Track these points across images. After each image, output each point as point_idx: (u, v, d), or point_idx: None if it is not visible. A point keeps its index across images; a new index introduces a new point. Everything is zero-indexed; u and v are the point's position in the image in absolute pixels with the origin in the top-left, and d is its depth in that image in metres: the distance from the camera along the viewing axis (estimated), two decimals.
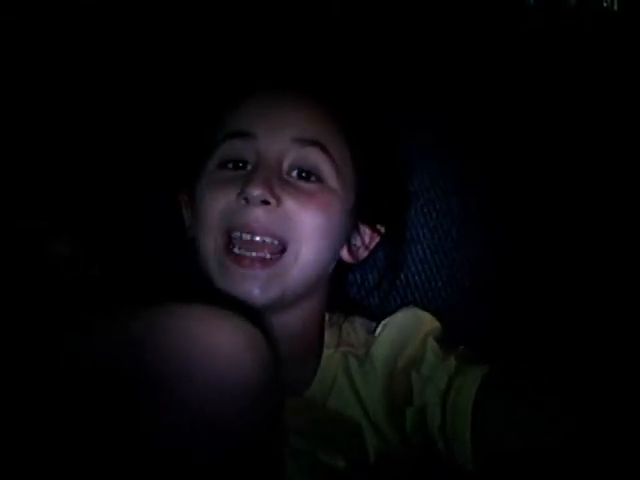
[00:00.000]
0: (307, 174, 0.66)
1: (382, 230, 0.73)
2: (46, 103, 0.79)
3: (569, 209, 0.81)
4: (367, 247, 0.72)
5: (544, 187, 0.81)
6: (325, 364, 0.70)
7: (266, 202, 0.63)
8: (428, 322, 0.71)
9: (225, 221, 0.64)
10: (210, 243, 0.65)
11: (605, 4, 0.89)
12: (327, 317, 0.73)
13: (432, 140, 0.81)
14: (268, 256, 0.63)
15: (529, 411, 0.61)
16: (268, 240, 0.63)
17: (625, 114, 0.81)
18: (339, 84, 0.72)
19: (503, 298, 0.80)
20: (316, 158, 0.66)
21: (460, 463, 0.62)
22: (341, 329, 0.72)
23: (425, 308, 0.74)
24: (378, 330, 0.71)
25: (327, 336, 0.71)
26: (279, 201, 0.63)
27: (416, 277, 0.80)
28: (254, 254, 0.63)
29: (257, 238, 0.63)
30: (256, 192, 0.62)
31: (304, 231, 0.64)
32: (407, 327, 0.71)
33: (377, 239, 0.73)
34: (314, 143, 0.66)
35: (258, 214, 0.63)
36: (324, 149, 0.66)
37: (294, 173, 0.66)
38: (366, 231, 0.72)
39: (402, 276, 0.80)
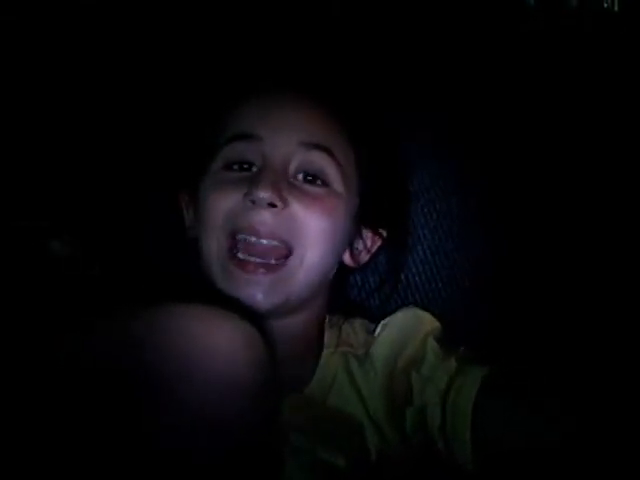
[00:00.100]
0: (313, 177, 0.66)
1: (384, 233, 0.73)
2: (46, 103, 0.79)
3: (569, 209, 0.81)
4: (369, 251, 0.73)
5: (544, 187, 0.81)
6: (325, 363, 0.70)
7: (273, 205, 0.62)
8: (428, 322, 0.71)
9: (230, 222, 0.64)
10: (213, 245, 0.64)
11: (606, 4, 0.89)
12: (327, 319, 0.73)
13: (432, 140, 0.81)
14: (273, 261, 0.63)
15: (529, 411, 0.61)
16: (274, 243, 0.63)
17: (625, 114, 0.81)
18: (343, 86, 0.73)
19: (503, 298, 0.80)
20: (322, 162, 0.66)
21: (460, 463, 0.62)
22: (341, 330, 0.72)
23: (425, 308, 0.74)
24: (378, 330, 0.71)
25: (327, 337, 0.71)
26: (286, 204, 0.63)
27: (416, 278, 0.80)
28: (258, 260, 0.63)
29: (263, 241, 0.63)
30: (263, 194, 0.62)
31: (310, 235, 0.64)
32: (407, 327, 0.71)
33: (379, 242, 0.73)
34: (321, 147, 0.66)
35: (264, 216, 0.63)
36: (330, 153, 0.66)
37: (300, 176, 0.66)
38: (368, 235, 0.72)
39: (402, 277, 0.80)
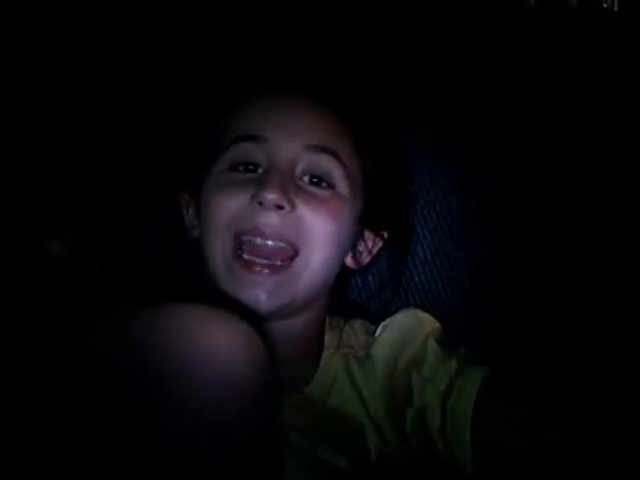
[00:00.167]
0: (318, 180, 0.66)
1: (385, 235, 0.73)
2: (46, 103, 0.79)
3: (569, 209, 0.81)
4: (370, 252, 0.73)
5: (544, 187, 0.81)
6: (325, 364, 0.69)
7: (280, 207, 0.62)
8: (429, 323, 0.71)
9: (235, 224, 0.64)
10: (218, 245, 0.64)
11: (605, 5, 0.89)
12: (327, 320, 0.73)
13: (432, 140, 0.81)
14: (278, 262, 0.63)
15: (529, 411, 0.61)
16: (280, 245, 0.63)
17: (625, 114, 0.81)
18: (348, 88, 0.73)
19: (503, 298, 0.80)
20: (329, 165, 0.66)
21: (460, 464, 0.62)
22: (341, 332, 0.72)
23: (425, 309, 0.74)
24: (378, 331, 0.71)
25: (327, 338, 0.71)
26: (293, 206, 0.63)
27: (416, 278, 0.80)
28: (264, 261, 0.63)
29: (269, 242, 0.63)
30: (271, 196, 0.62)
31: (316, 237, 0.64)
32: (407, 328, 0.70)
33: (380, 244, 0.73)
34: (327, 150, 0.66)
35: (271, 218, 0.63)
36: (336, 156, 0.66)
37: (306, 178, 0.66)
38: (369, 236, 0.72)
39: (402, 278, 0.80)
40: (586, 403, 0.60)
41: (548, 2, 0.87)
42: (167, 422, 0.47)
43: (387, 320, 0.72)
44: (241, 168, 0.66)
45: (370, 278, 0.79)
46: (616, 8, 0.89)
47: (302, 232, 0.64)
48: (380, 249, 0.74)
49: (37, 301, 0.60)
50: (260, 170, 0.65)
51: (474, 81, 0.82)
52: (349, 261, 0.72)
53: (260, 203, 0.62)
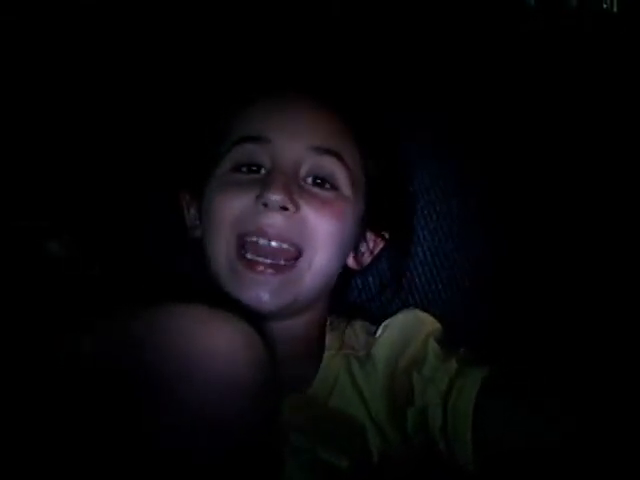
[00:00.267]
0: (322, 181, 0.66)
1: (386, 235, 0.73)
2: (47, 103, 0.79)
3: (569, 209, 0.81)
4: (372, 252, 0.73)
5: (544, 187, 0.81)
6: (326, 364, 0.69)
7: (285, 208, 0.63)
8: (429, 323, 0.71)
9: (239, 225, 0.64)
10: (221, 245, 0.64)
11: (605, 5, 0.89)
12: (329, 321, 0.73)
13: (432, 140, 0.81)
14: (282, 262, 0.63)
15: (529, 411, 0.61)
16: (283, 246, 0.63)
17: (625, 114, 0.81)
18: (350, 89, 0.73)
19: (503, 298, 0.80)
20: (332, 167, 0.66)
21: (461, 464, 0.62)
22: (342, 333, 0.72)
23: (426, 310, 0.74)
24: (379, 331, 0.71)
25: (329, 339, 0.71)
26: (297, 207, 0.63)
27: (416, 279, 0.80)
28: (268, 260, 0.63)
29: (272, 243, 0.63)
30: (276, 197, 0.62)
31: (319, 239, 0.64)
32: (408, 328, 0.71)
33: (381, 244, 0.73)
34: (331, 152, 0.66)
35: (275, 219, 0.63)
36: (340, 158, 0.66)
37: (309, 180, 0.66)
38: (371, 237, 0.73)
39: (403, 279, 0.80)
40: (586, 403, 0.60)
41: (548, 2, 0.87)
42: (167, 422, 0.47)
43: (388, 320, 0.72)
44: (244, 169, 0.66)
45: (370, 279, 0.79)
46: (616, 9, 0.89)
47: (306, 233, 0.64)
48: (381, 249, 0.74)
49: (37, 301, 0.60)
50: (263, 171, 0.65)
51: (474, 81, 0.82)
52: (351, 262, 0.72)
53: (264, 204, 0.62)
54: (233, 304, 0.62)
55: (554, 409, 0.60)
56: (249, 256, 0.63)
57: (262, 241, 0.63)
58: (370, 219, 0.71)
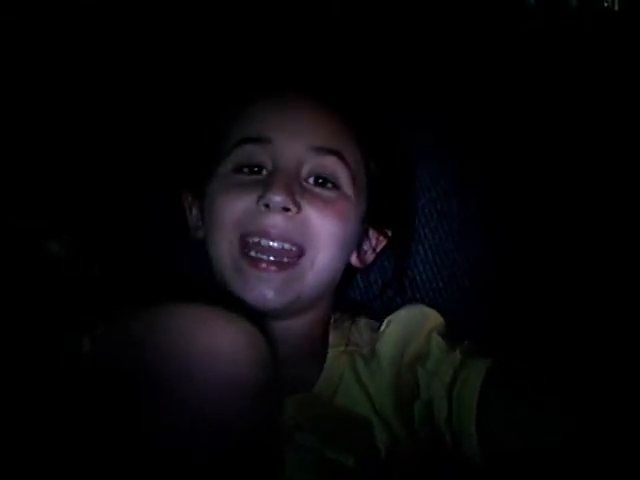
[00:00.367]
0: (324, 180, 0.66)
1: (389, 233, 0.73)
2: (47, 103, 0.79)
3: (569, 209, 0.80)
4: (374, 250, 0.73)
5: (544, 187, 0.81)
6: (331, 363, 0.69)
7: (286, 209, 0.63)
8: (433, 318, 0.71)
9: (241, 226, 0.64)
10: (225, 245, 0.65)
11: (606, 4, 0.89)
12: (332, 319, 0.73)
13: (432, 140, 0.81)
14: (285, 260, 0.64)
15: (529, 411, 0.61)
16: (286, 246, 0.64)
17: (625, 114, 0.81)
18: (351, 89, 0.73)
19: (503, 298, 0.80)
20: (334, 167, 0.66)
21: (468, 456, 0.62)
22: (346, 331, 0.72)
23: None
24: (383, 327, 0.71)
25: (333, 337, 0.71)
26: (299, 208, 0.63)
27: (417, 277, 0.80)
28: (271, 258, 0.63)
29: (275, 244, 0.63)
30: (278, 198, 0.62)
31: (321, 238, 0.65)
32: (412, 323, 0.71)
33: (384, 242, 0.74)
34: (332, 152, 0.66)
35: (277, 220, 0.63)
36: (342, 157, 0.66)
37: (311, 180, 0.66)
38: (373, 234, 0.73)
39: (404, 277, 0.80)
40: (586, 403, 0.60)
41: (548, 2, 0.87)
42: (167, 422, 0.47)
43: (391, 315, 0.72)
44: (245, 170, 0.66)
45: (372, 278, 0.80)
46: (617, 8, 0.88)
47: (308, 233, 0.64)
48: (384, 247, 0.74)
49: (37, 301, 0.60)
50: (264, 172, 0.65)
51: (474, 81, 0.82)
52: (354, 260, 0.72)
53: (266, 205, 0.63)
54: (236, 304, 0.62)
55: (554, 409, 0.60)
56: (252, 254, 0.63)
57: (264, 242, 0.63)
58: (373, 217, 0.71)
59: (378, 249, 0.73)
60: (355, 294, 0.80)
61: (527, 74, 0.82)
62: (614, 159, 0.80)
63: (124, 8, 0.81)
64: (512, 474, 0.61)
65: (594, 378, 0.61)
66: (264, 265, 0.63)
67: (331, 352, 0.70)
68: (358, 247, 0.72)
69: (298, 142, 0.65)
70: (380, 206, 0.71)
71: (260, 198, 0.63)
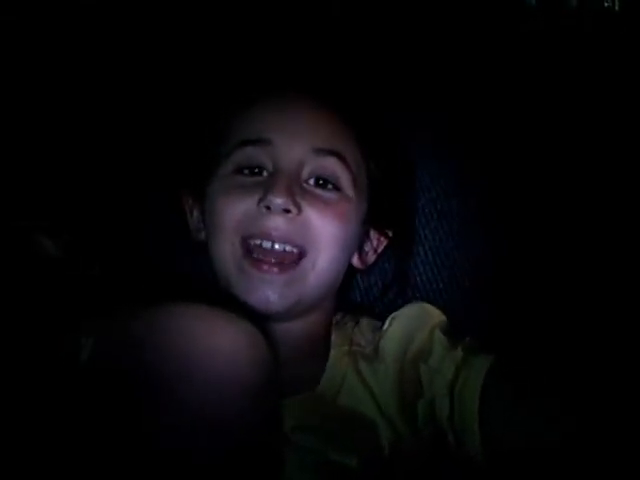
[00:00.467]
0: (324, 182, 0.66)
1: (390, 233, 0.73)
2: (47, 103, 0.79)
3: (569, 209, 0.80)
4: (376, 251, 0.73)
5: (544, 187, 0.81)
6: (333, 363, 0.69)
7: (287, 210, 0.63)
8: (435, 315, 0.71)
9: (242, 228, 0.64)
10: (227, 247, 0.65)
11: (606, 4, 0.89)
12: (335, 320, 0.73)
13: (432, 140, 0.81)
14: (286, 261, 0.64)
15: (529, 411, 0.61)
16: (287, 248, 0.64)
17: (626, 114, 0.81)
18: (352, 90, 0.73)
19: (503, 298, 0.80)
20: (335, 168, 0.66)
21: (472, 455, 0.62)
22: (349, 331, 0.72)
23: None
24: (386, 324, 0.71)
25: (335, 338, 0.71)
26: (300, 210, 0.63)
27: (417, 278, 0.80)
28: (273, 259, 0.63)
29: (276, 246, 0.64)
30: (279, 200, 0.62)
31: (322, 240, 0.65)
32: (414, 321, 0.71)
33: (385, 242, 0.74)
34: (333, 153, 0.66)
35: (278, 222, 0.63)
36: (342, 159, 0.67)
37: (312, 181, 0.66)
38: (374, 235, 0.73)
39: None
40: (586, 403, 0.60)
41: (548, 2, 0.87)
42: (167, 422, 0.47)
43: (394, 313, 0.72)
44: (246, 171, 0.66)
45: (373, 280, 0.79)
46: (617, 8, 0.88)
47: (309, 235, 0.64)
48: (385, 247, 0.74)
49: (37, 301, 0.60)
50: (265, 173, 0.66)
51: (474, 81, 0.82)
52: (355, 261, 0.72)
53: (267, 207, 0.63)
54: (238, 304, 0.62)
55: (554, 409, 0.60)
56: (255, 255, 0.64)
57: (266, 244, 0.64)
58: (373, 218, 0.71)
59: (379, 250, 0.74)
60: (356, 296, 0.80)
61: (527, 74, 0.82)
62: (614, 159, 0.80)
63: (124, 9, 0.81)
64: (514, 474, 0.61)
65: (594, 378, 0.61)
66: (266, 267, 0.63)
67: (334, 352, 0.70)
68: (359, 248, 0.72)
69: (298, 143, 0.65)
70: (381, 206, 0.71)
71: (261, 200, 0.63)
